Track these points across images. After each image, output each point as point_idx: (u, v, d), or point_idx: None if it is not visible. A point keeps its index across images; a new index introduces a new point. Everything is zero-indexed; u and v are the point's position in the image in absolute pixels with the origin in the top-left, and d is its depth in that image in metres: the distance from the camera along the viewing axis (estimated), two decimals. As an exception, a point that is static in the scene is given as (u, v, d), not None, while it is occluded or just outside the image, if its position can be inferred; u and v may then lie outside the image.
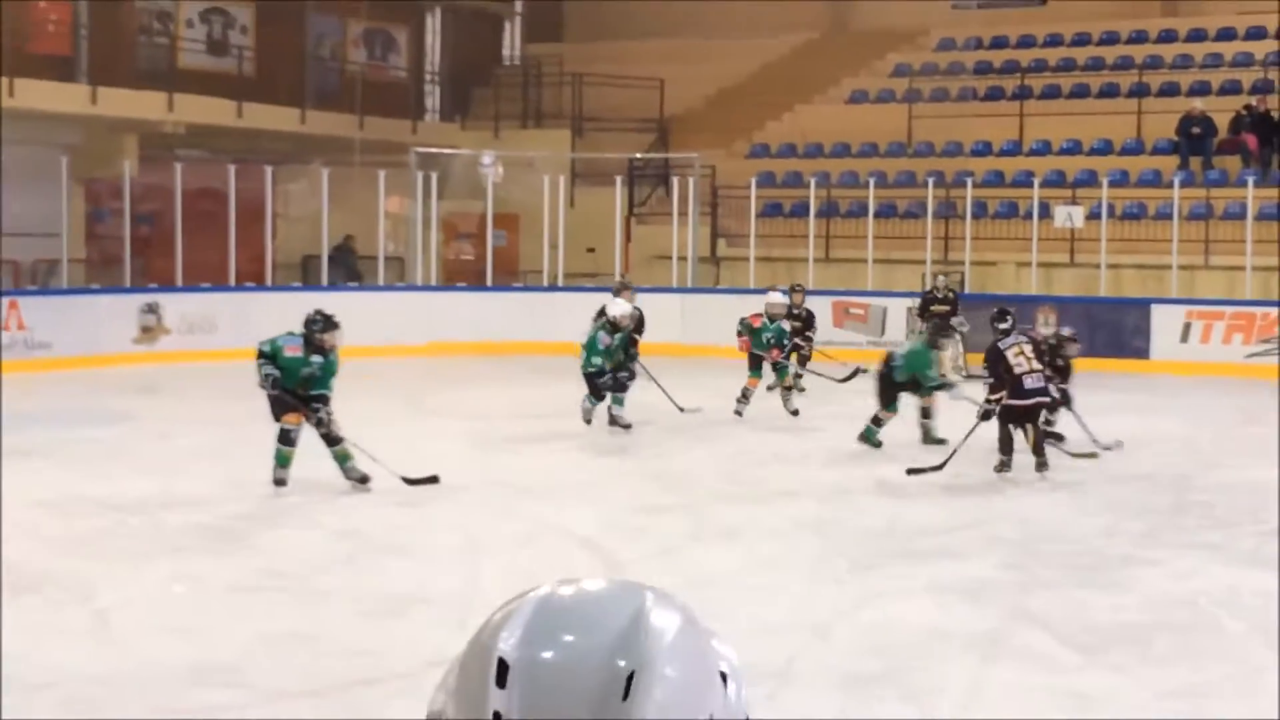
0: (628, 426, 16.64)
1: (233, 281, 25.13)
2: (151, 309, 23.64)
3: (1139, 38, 31.55)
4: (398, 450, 15.09)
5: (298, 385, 12.57)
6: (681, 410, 17.60)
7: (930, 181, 26.72)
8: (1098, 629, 9.01)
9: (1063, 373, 14.76)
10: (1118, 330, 23.99)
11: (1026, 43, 32.44)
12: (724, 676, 1.53)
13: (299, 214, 28.10)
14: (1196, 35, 31.15)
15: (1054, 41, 32.25)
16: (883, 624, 9.08)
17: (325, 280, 26.33)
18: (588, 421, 16.62)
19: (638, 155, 30.98)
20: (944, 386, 15.41)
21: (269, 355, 12.60)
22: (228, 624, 8.90)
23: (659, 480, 13.75)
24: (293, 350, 12.61)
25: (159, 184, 25.73)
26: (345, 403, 18.73)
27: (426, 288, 26.89)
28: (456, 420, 17.45)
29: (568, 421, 16.38)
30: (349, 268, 28.02)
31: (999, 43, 32.62)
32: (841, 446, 15.62)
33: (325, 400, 12.69)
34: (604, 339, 16.60)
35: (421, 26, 34.55)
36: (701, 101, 33.31)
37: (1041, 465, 13.68)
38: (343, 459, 12.79)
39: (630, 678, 1.45)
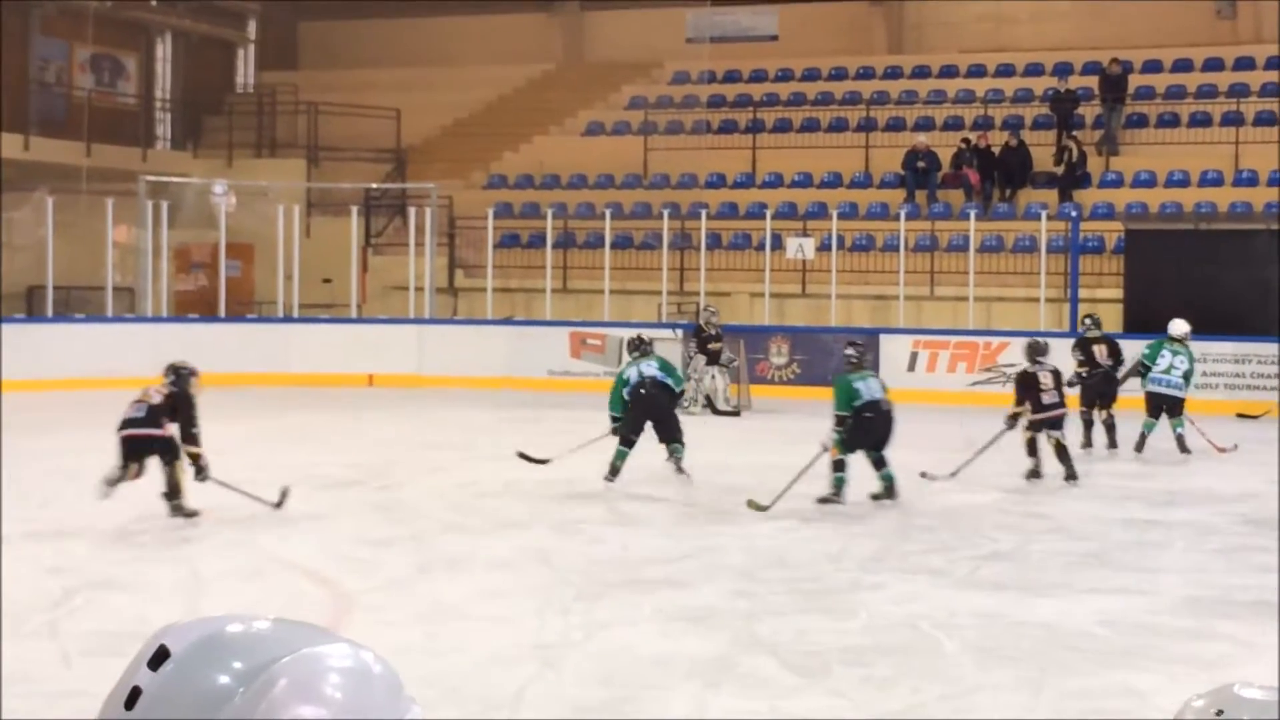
0: None
1: (-48, 312, 24.28)
2: None
3: (866, 74, 32.36)
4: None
5: None
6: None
7: (665, 213, 27.01)
8: (821, 653, 9.14)
9: None
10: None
11: (758, 77, 33.03)
12: None
13: (23, 243, 27.28)
14: (921, 72, 32.05)
15: (785, 76, 32.89)
16: (610, 653, 9.10)
17: (50, 311, 25.60)
18: None
19: (374, 185, 30.77)
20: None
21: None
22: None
23: (386, 512, 13.62)
24: None
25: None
26: (64, 435, 18.30)
27: (156, 319, 26.29)
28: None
29: (297, 452, 16.09)
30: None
31: (732, 76, 33.16)
32: (577, 476, 15.67)
33: None
34: None
35: (152, 53, 33.88)
36: (438, 132, 33.24)
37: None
38: None
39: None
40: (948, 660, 9.02)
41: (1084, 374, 18.31)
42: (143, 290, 27.00)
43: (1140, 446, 17.83)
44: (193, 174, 30.73)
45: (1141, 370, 18.15)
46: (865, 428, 14.11)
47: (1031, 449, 15.80)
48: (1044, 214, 25.68)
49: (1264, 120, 28.04)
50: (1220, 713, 2.01)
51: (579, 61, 35.49)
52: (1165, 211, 26.47)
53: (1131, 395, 18.36)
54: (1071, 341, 19.02)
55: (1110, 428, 18.14)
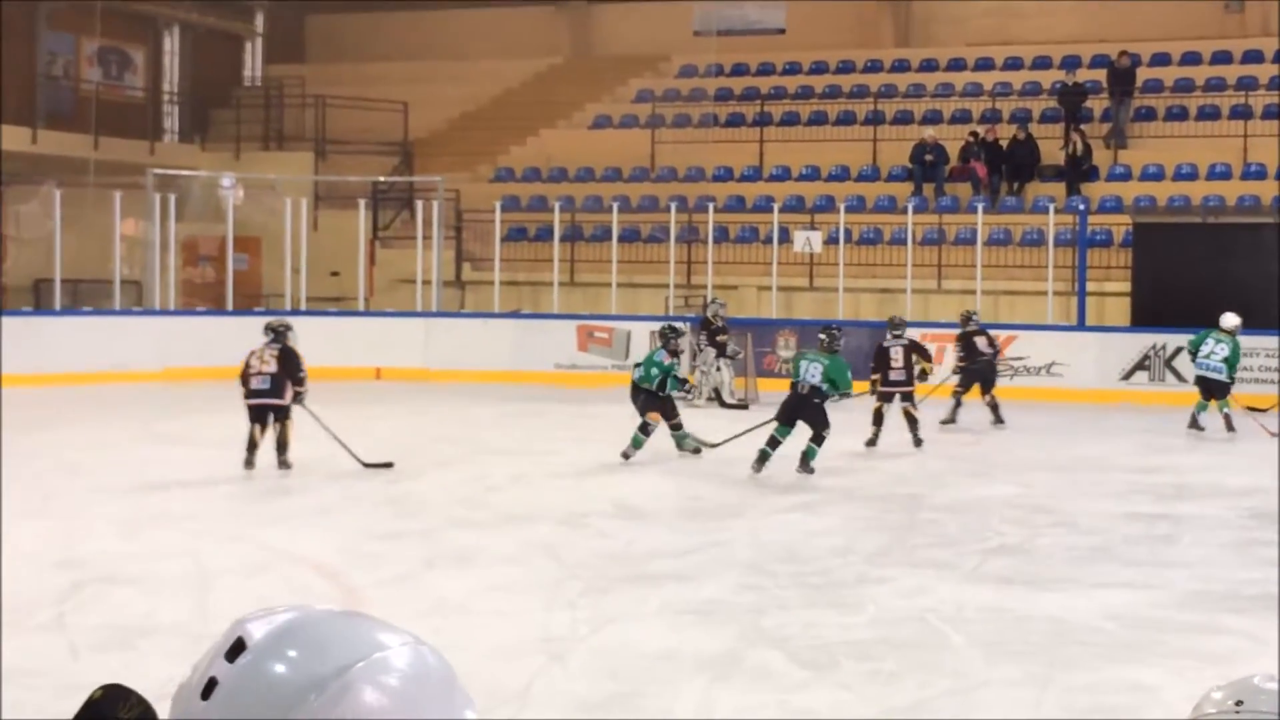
0: None
1: (-42, 305, 24.28)
2: None
3: (874, 67, 32.30)
4: (122, 477, 14.73)
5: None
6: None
7: (673, 206, 26.97)
8: (828, 647, 9.14)
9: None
10: (855, 353, 24.40)
11: (766, 70, 32.99)
12: None
13: (31, 236, 27.27)
14: (928, 65, 32.00)
15: (792, 69, 32.84)
16: (617, 647, 9.10)
17: (58, 304, 25.60)
18: None
19: (381, 178, 30.74)
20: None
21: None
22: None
23: (394, 505, 13.62)
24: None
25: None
26: (71, 429, 18.31)
27: (163, 312, 26.27)
28: (188, 447, 17.07)
29: (304, 446, 16.04)
30: None
31: (739, 70, 33.12)
32: (582, 469, 15.68)
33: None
34: None
35: (159, 46, 33.88)
36: (445, 125, 33.22)
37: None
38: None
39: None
40: (955, 654, 9.02)
41: (965, 365, 20.31)
42: (150, 283, 26.99)
43: (1193, 423, 19.36)
44: (200, 167, 30.72)
45: (1190, 355, 19.84)
46: (787, 403, 15.75)
47: (877, 418, 17.68)
48: (1052, 207, 25.62)
49: (1272, 114, 27.94)
50: (1240, 704, 2.00)
51: (586, 55, 35.46)
52: (1173, 205, 26.42)
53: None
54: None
55: (994, 407, 19.87)
